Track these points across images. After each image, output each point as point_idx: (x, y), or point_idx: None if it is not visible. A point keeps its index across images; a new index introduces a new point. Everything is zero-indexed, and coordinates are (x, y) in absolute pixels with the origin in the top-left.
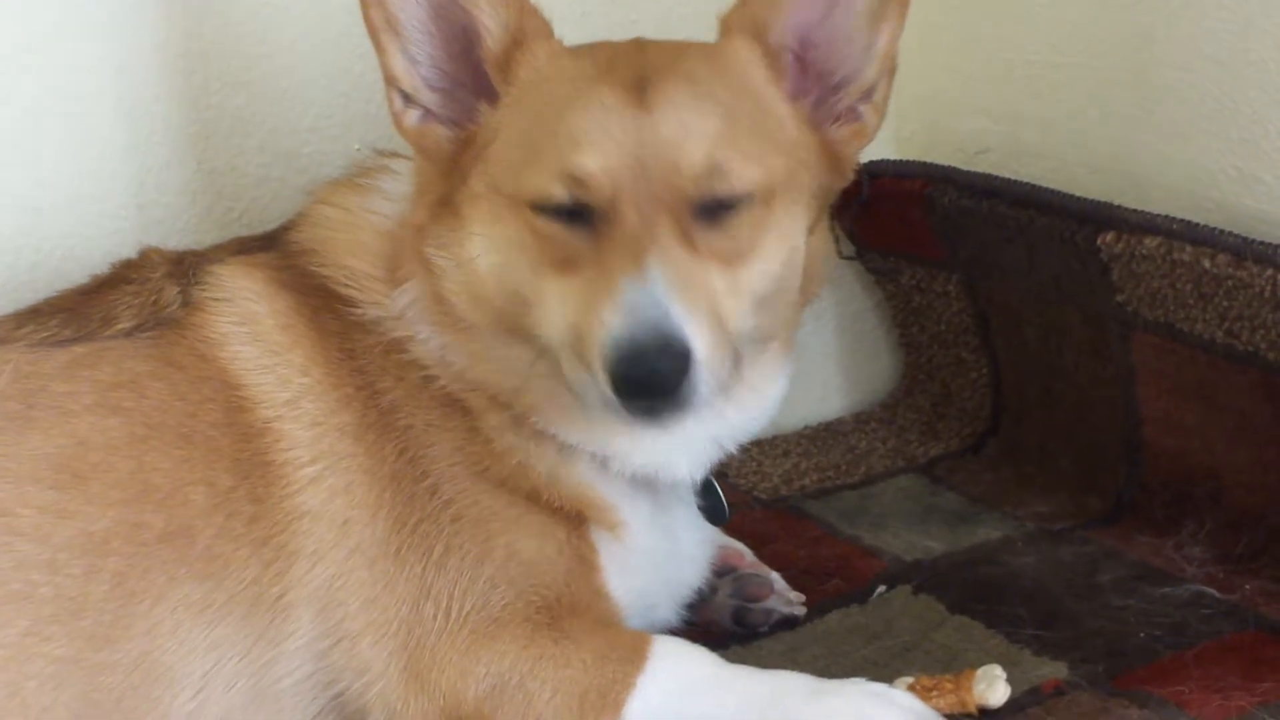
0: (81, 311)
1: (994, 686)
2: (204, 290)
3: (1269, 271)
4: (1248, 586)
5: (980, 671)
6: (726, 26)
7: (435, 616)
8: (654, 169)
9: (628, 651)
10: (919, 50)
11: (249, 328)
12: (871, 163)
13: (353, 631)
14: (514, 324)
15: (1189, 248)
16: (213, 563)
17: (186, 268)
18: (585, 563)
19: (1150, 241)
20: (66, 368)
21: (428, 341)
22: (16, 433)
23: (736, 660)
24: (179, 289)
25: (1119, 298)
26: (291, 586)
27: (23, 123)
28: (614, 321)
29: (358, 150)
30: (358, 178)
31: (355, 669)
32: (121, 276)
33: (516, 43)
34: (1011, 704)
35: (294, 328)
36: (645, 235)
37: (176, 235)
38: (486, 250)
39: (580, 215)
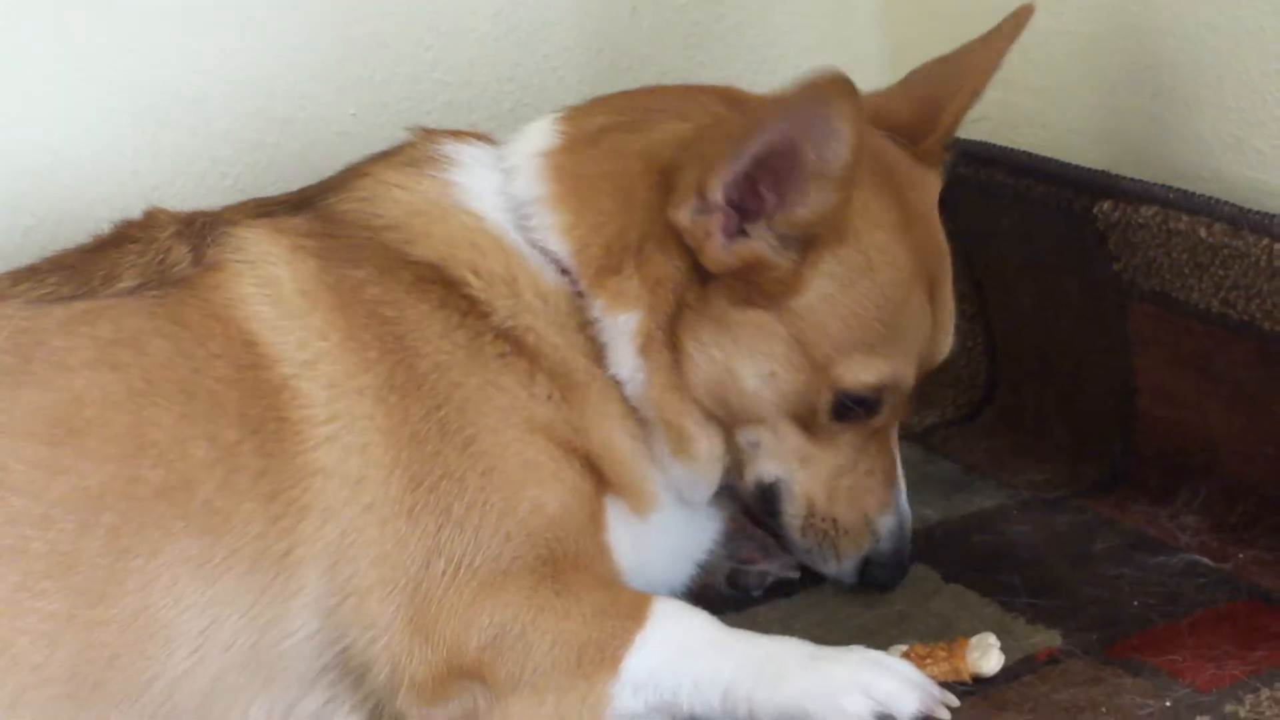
0: (82, 269)
1: (988, 655)
2: (222, 250)
3: (1265, 241)
4: (1242, 556)
5: (975, 640)
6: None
7: (445, 572)
8: (924, 371)
9: (628, 609)
10: (914, 18)
11: (270, 290)
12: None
13: (362, 587)
14: (727, 423)
15: (1185, 217)
16: (212, 517)
17: (199, 228)
18: (596, 521)
19: (1147, 210)
20: (65, 323)
21: (623, 367)
22: (12, 387)
23: (731, 625)
24: (190, 248)
25: (1115, 267)
26: (300, 543)
27: (18, 87)
28: (885, 537)
29: (353, 115)
30: (421, 164)
31: (362, 624)
32: (125, 235)
33: (834, 219)
34: (1005, 672)
35: (314, 294)
36: (890, 428)
37: (171, 200)
38: (766, 385)
39: (851, 410)
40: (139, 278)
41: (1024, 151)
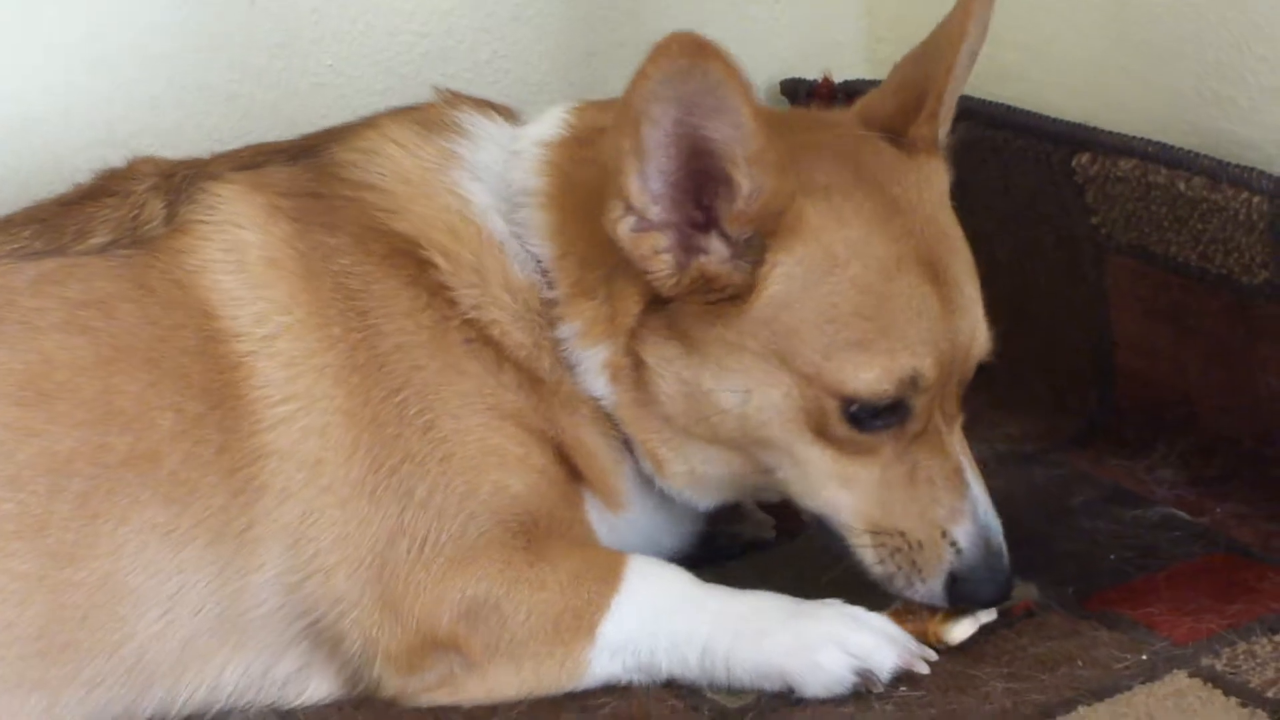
0: (55, 223)
1: (957, 624)
2: (193, 211)
3: (1244, 194)
4: (1218, 509)
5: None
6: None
7: (410, 550)
8: (954, 366)
9: (603, 571)
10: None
11: (235, 257)
12: (848, 83)
13: (326, 565)
14: (736, 449)
15: (1164, 170)
16: (178, 488)
17: (178, 181)
18: (570, 500)
19: (1125, 164)
20: (35, 283)
21: (594, 388)
22: None
23: (707, 581)
24: (164, 204)
25: (1093, 220)
26: (258, 520)
27: None
28: (967, 549)
29: (329, 66)
30: (433, 128)
31: (330, 599)
32: (103, 188)
33: (778, 208)
34: (982, 626)
35: (281, 262)
36: (945, 430)
37: (146, 152)
38: (745, 403)
39: (873, 417)
40: (111, 234)
41: (1003, 104)
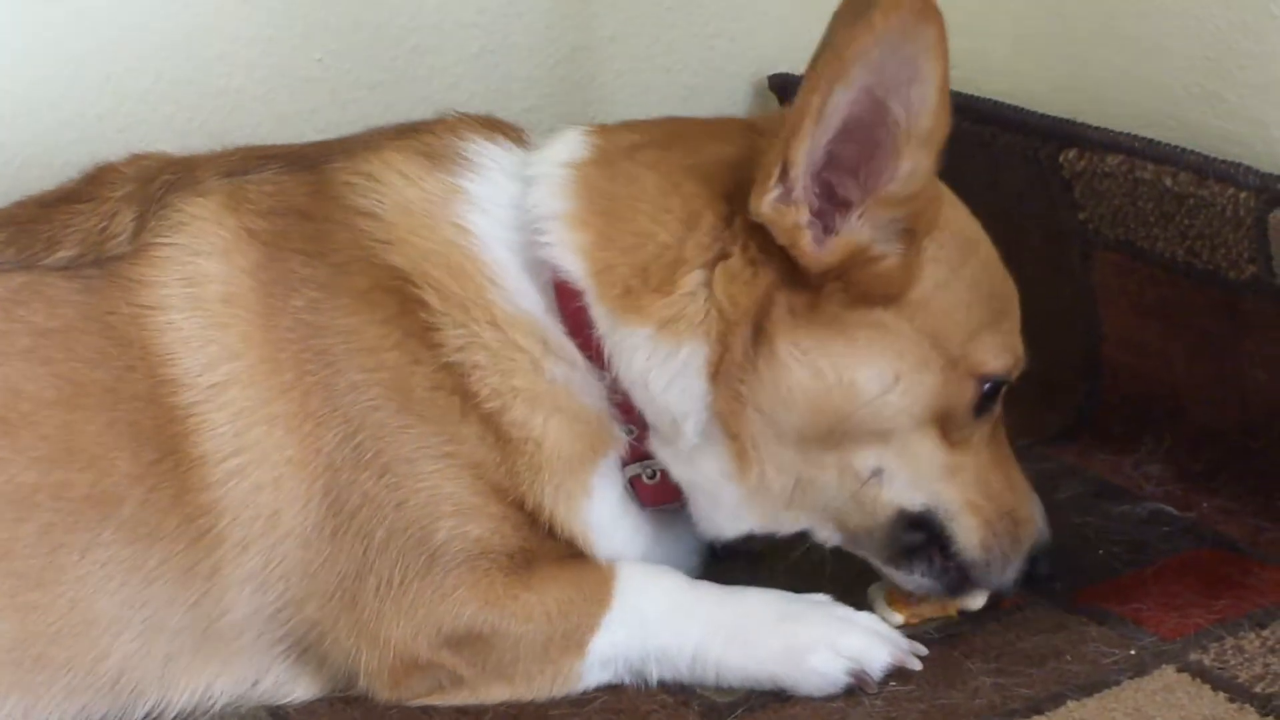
0: (30, 229)
1: (975, 590)
2: (158, 230)
3: (1231, 190)
4: (1206, 504)
5: None
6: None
7: (378, 588)
8: None
9: (592, 591)
10: None
11: (191, 291)
12: None
13: (297, 599)
14: (830, 450)
15: (1151, 166)
16: (139, 529)
17: (155, 189)
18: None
19: (1112, 159)
20: (2, 303)
21: (676, 396)
22: None
23: (700, 575)
24: (135, 216)
25: (1081, 215)
26: (222, 566)
27: None
28: (1041, 525)
29: (319, 60)
30: (437, 159)
31: (306, 624)
32: (80, 192)
33: (933, 192)
34: (970, 621)
35: (238, 299)
36: (1001, 420)
37: (135, 146)
38: (890, 389)
39: (991, 398)
40: (77, 247)
41: (990, 99)
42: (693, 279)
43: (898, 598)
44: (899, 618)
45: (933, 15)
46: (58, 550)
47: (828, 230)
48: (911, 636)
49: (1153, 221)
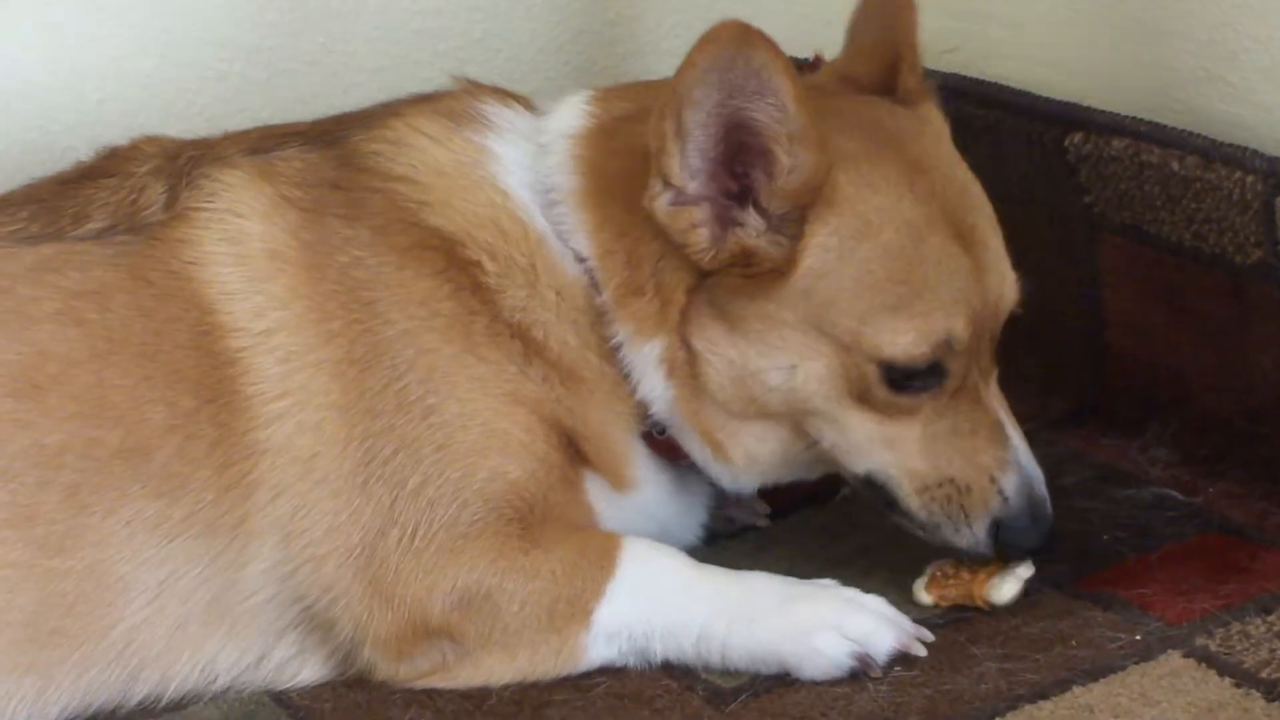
0: (53, 205)
1: (1003, 583)
2: (194, 197)
3: (1237, 174)
4: (1211, 489)
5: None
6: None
7: (400, 540)
8: (985, 322)
9: (597, 557)
10: None
11: (236, 249)
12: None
13: (317, 555)
14: (785, 423)
15: (1157, 149)
16: (169, 481)
17: (182, 164)
18: (570, 484)
19: (1118, 143)
20: (32, 270)
21: (651, 389)
22: None
23: (702, 560)
24: (165, 188)
25: (1086, 199)
26: (251, 515)
27: None
28: (1012, 495)
29: (321, 44)
30: (459, 120)
31: (320, 587)
32: (103, 168)
33: (817, 183)
34: (977, 608)
35: (283, 254)
36: (982, 385)
37: (137, 130)
38: (791, 378)
39: (911, 378)
40: (109, 218)
41: (995, 84)
42: (651, 281)
43: (936, 580)
44: (928, 599)
45: (753, 40)
46: (81, 512)
47: (727, 223)
48: (918, 622)
49: (1159, 205)
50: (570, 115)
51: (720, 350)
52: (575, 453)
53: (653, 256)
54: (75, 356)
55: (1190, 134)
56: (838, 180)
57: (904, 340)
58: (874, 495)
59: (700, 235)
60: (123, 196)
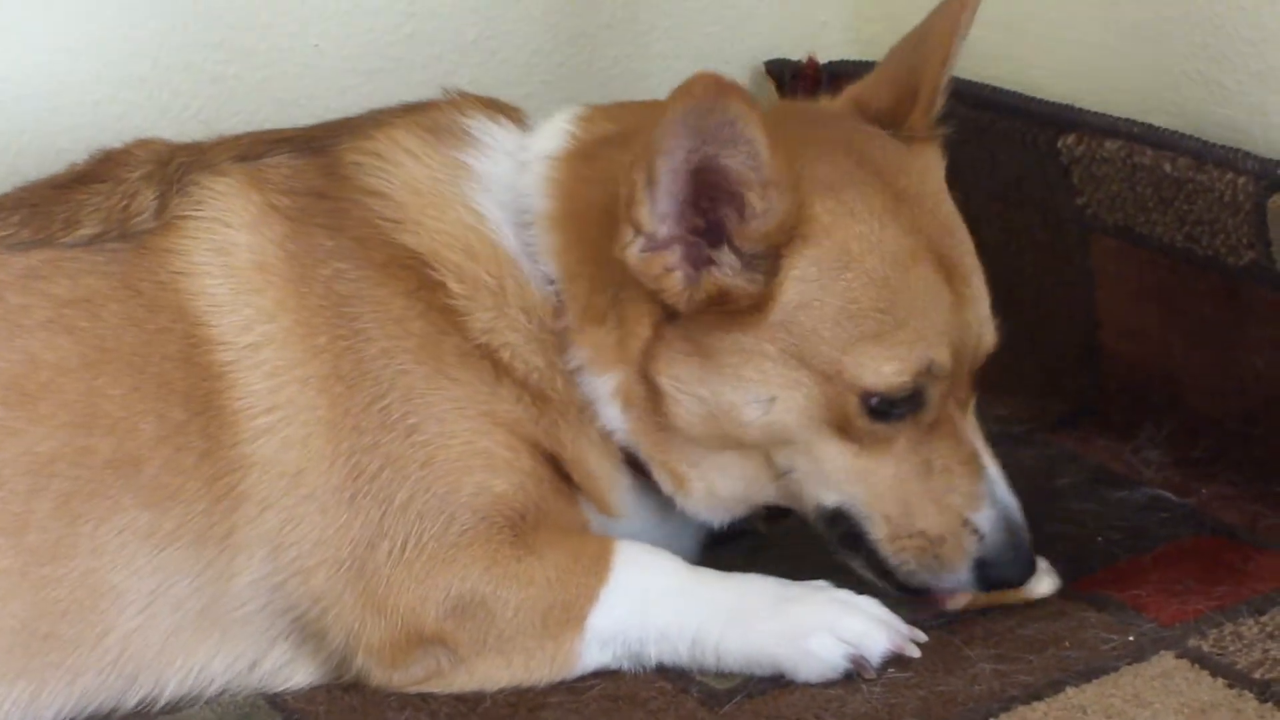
0: (45, 210)
1: (1040, 580)
2: (183, 205)
3: (1229, 176)
4: (1205, 491)
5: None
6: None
7: (390, 553)
8: (965, 357)
9: (591, 562)
10: None
11: (223, 259)
12: (832, 63)
13: (306, 567)
14: (755, 455)
15: (1150, 151)
16: (159, 492)
17: (173, 170)
18: (560, 494)
19: (1111, 144)
20: (22, 278)
21: (608, 419)
22: None
23: (697, 563)
24: (156, 195)
25: (1079, 201)
26: (240, 526)
27: None
28: (989, 533)
29: (316, 47)
30: (442, 135)
31: (310, 598)
32: (96, 173)
33: (790, 224)
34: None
35: (270, 266)
36: (958, 416)
37: (131, 132)
38: (769, 411)
39: (893, 407)
40: (100, 225)
41: (988, 85)
42: (613, 311)
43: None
44: (962, 600)
45: (727, 92)
46: (74, 520)
47: (700, 264)
48: (911, 623)
49: (1151, 207)
50: (551, 135)
51: (689, 388)
52: (567, 479)
53: (615, 285)
54: (66, 365)
55: (1183, 136)
56: (815, 211)
57: (887, 369)
58: (836, 532)
59: (674, 279)
60: (115, 202)
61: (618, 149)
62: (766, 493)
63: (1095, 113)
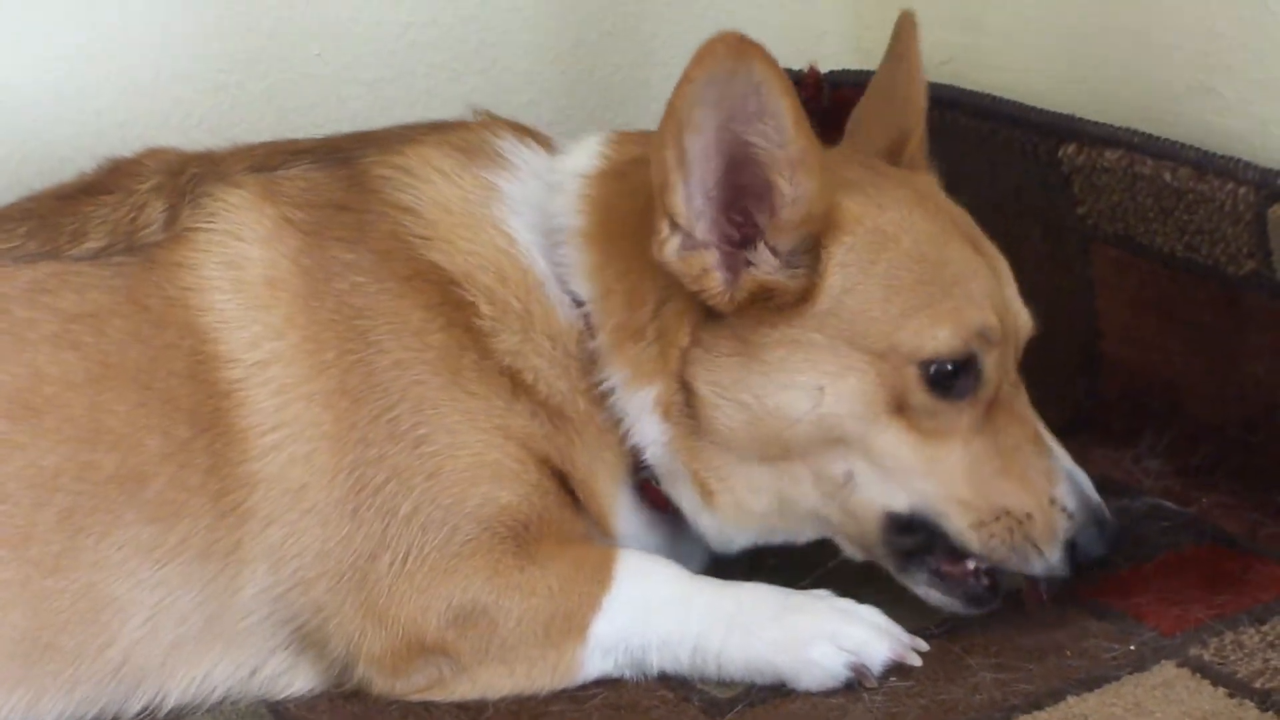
0: (52, 221)
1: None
2: (194, 217)
3: (1230, 185)
4: (1205, 499)
5: None
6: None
7: (392, 564)
8: (1009, 327)
9: (593, 571)
10: None
11: (234, 274)
12: (833, 73)
13: (308, 578)
14: (798, 465)
15: (1150, 161)
16: (163, 508)
17: (184, 181)
18: (568, 507)
19: (1111, 154)
20: (28, 291)
21: (645, 433)
22: None
23: (699, 571)
24: (166, 207)
25: (1079, 210)
26: (244, 542)
27: None
28: (1075, 510)
29: (318, 55)
30: (473, 155)
31: (312, 608)
32: (103, 184)
33: (821, 209)
34: (972, 617)
35: (281, 281)
36: (1015, 398)
37: (134, 141)
38: (820, 402)
39: (952, 377)
40: (107, 237)
41: (988, 94)
42: (651, 323)
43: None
44: None
45: (751, 51)
46: (77, 534)
47: (738, 266)
48: (912, 632)
49: (1152, 216)
50: (584, 155)
51: (730, 392)
52: (570, 491)
53: (655, 298)
54: (71, 380)
55: (1183, 146)
56: (844, 205)
57: (941, 334)
58: (907, 544)
59: (714, 279)
60: (122, 214)
61: (649, 169)
62: (797, 514)
63: (1096, 122)
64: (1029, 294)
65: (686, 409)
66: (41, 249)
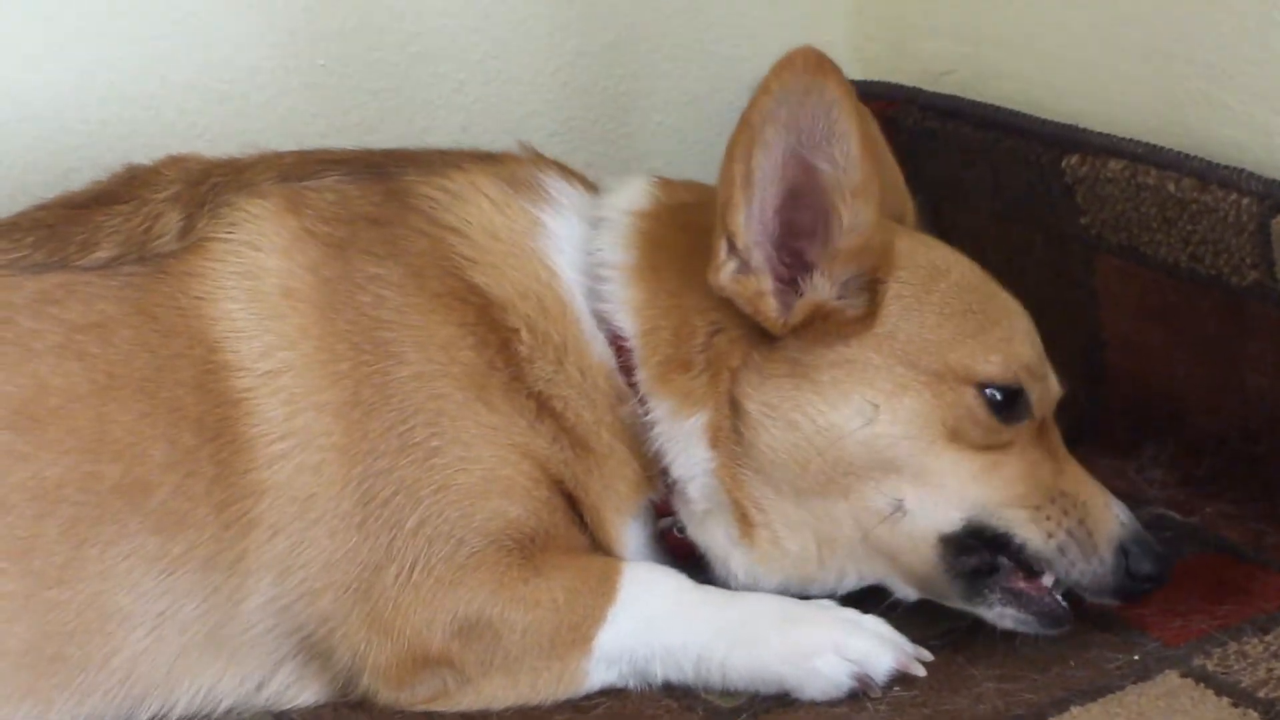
0: (61, 231)
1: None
2: (213, 227)
3: (1233, 196)
4: (1208, 509)
5: None
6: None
7: (398, 576)
8: (1046, 373)
9: (597, 583)
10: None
11: (249, 284)
12: None
13: (313, 589)
14: (839, 496)
15: (1154, 171)
16: (168, 517)
17: (205, 190)
18: (571, 520)
19: (1115, 164)
20: (34, 302)
21: (689, 463)
22: None
23: (702, 583)
24: (183, 217)
25: (1083, 220)
26: (250, 551)
27: None
28: (1129, 520)
29: (322, 66)
30: (519, 188)
31: (317, 619)
32: (117, 193)
33: (880, 243)
34: (974, 626)
35: (299, 291)
36: (1049, 431)
37: (139, 151)
38: (874, 421)
39: (1006, 405)
40: (118, 247)
41: (992, 105)
42: (701, 354)
43: None
44: None
45: (827, 69)
46: (81, 545)
47: (793, 294)
48: (916, 642)
49: (1155, 227)
50: (634, 194)
51: (781, 412)
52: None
53: (707, 329)
54: (76, 390)
55: (1187, 156)
56: (895, 245)
57: (995, 358)
58: (970, 563)
59: (769, 304)
60: (135, 224)
61: (701, 212)
62: (842, 558)
63: (1099, 133)
64: (1032, 304)
65: (733, 434)
66: (49, 259)
